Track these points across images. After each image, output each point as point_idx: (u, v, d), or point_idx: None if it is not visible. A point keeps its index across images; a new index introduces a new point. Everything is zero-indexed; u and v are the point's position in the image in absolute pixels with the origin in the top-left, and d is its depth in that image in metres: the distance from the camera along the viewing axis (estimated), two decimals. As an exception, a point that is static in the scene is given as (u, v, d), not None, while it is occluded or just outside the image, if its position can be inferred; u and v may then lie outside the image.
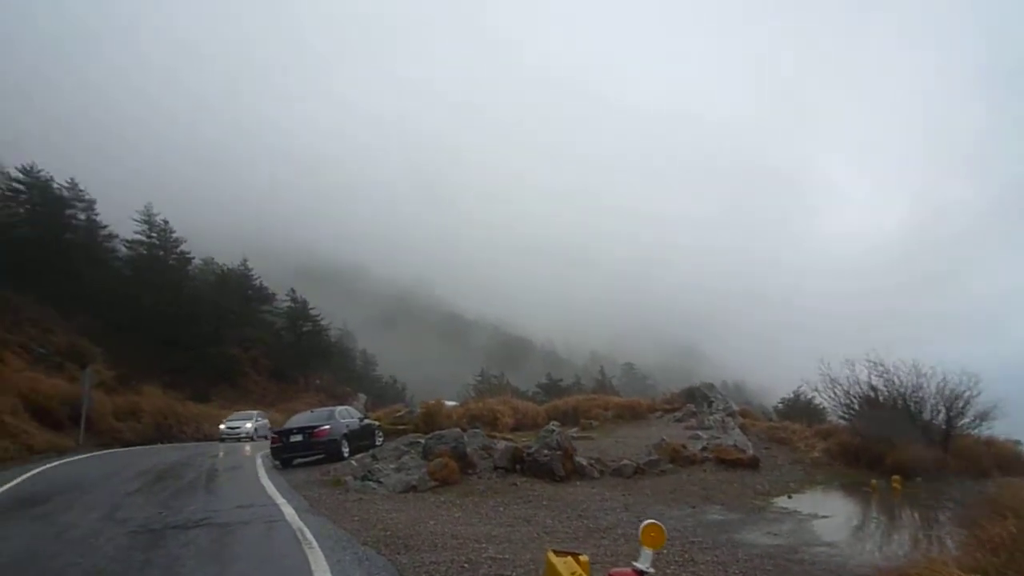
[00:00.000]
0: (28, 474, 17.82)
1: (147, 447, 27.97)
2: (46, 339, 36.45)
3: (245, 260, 65.30)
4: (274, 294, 66.48)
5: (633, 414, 28.40)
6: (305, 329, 65.67)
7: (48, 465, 20.06)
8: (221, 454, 23.86)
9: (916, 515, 14.98)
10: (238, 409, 41.09)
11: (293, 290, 66.87)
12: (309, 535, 9.29)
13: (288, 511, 11.36)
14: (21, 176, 51.42)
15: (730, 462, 19.16)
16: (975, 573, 5.64)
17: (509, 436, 21.30)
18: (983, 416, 20.13)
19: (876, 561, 9.52)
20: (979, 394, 19.81)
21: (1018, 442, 22.48)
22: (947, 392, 19.91)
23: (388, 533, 9.85)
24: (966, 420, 20.18)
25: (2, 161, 68.75)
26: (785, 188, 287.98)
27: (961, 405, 19.89)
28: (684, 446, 19.77)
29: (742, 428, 24.83)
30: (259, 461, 20.10)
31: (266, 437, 27.70)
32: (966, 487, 17.17)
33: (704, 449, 20.03)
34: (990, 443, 21.22)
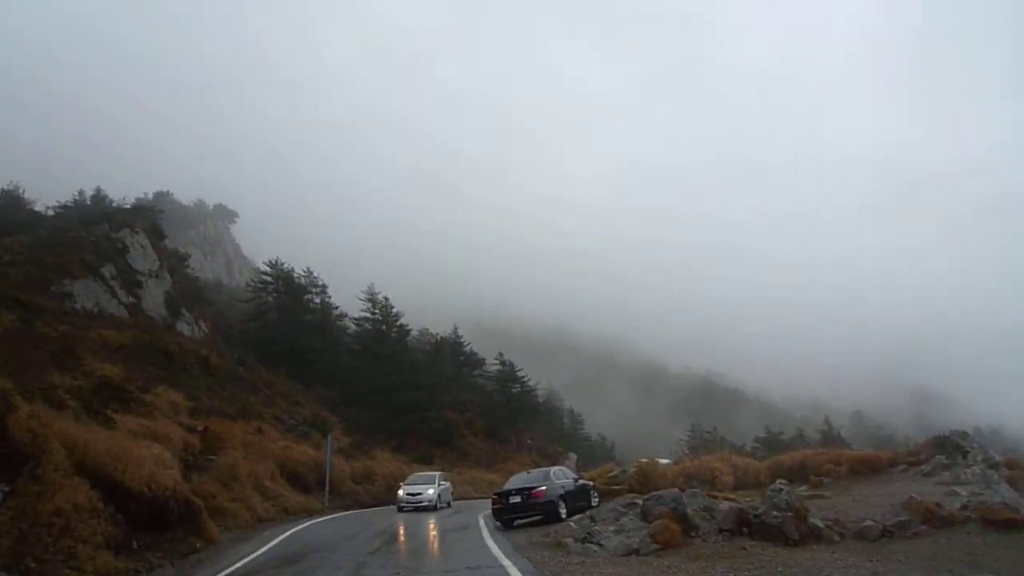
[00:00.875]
0: (285, 534, 19.96)
1: (381, 508, 30.12)
2: (294, 411, 41.11)
3: (456, 328, 69.52)
4: (483, 359, 69.80)
5: (871, 468, 25.52)
6: (514, 391, 67.93)
7: (301, 525, 22.35)
8: (447, 514, 25.03)
9: None
10: (459, 471, 43.00)
11: (501, 354, 69.73)
12: (538, 599, 9.37)
13: (514, 573, 11.58)
14: (268, 269, 59.64)
15: (1000, 523, 16.39)
16: None
17: (730, 496, 20.10)
18: None
19: None
20: None
21: None
22: None
23: (615, 599, 9.66)
24: None
25: (252, 258, 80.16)
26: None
27: None
28: (939, 504, 17.30)
29: (1009, 481, 21.23)
30: (481, 522, 20.78)
31: (449, 504, 28.89)
32: None
33: (964, 507, 17.37)
34: None
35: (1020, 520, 16.69)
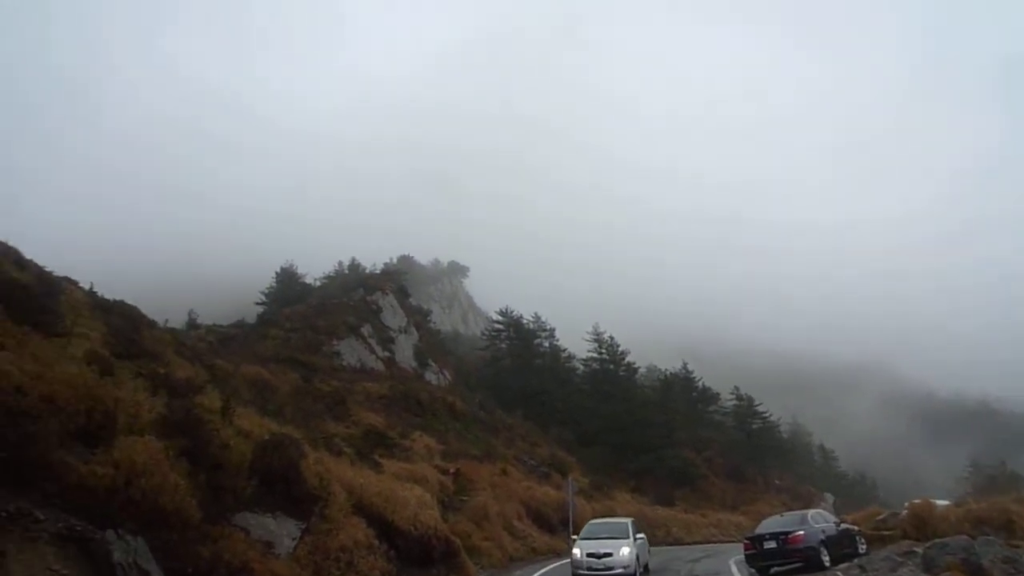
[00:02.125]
0: (537, 574, 20.53)
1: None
2: (534, 452, 42.51)
3: (685, 364, 67.64)
4: (718, 394, 66.97)
5: None
6: (754, 426, 64.15)
7: (551, 565, 22.87)
8: (694, 557, 24.08)
9: None
10: (703, 513, 41.29)
11: (737, 388, 66.45)
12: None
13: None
14: (500, 317, 63.07)
15: None
16: None
17: (1039, 546, 16.96)
18: None
19: None
20: None
21: None
22: None
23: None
24: None
25: (484, 308, 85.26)
26: None
27: None
28: None
29: None
30: (733, 568, 19.71)
31: (647, 569, 20.50)
32: None
33: None
34: None
35: None
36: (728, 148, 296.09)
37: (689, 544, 33.77)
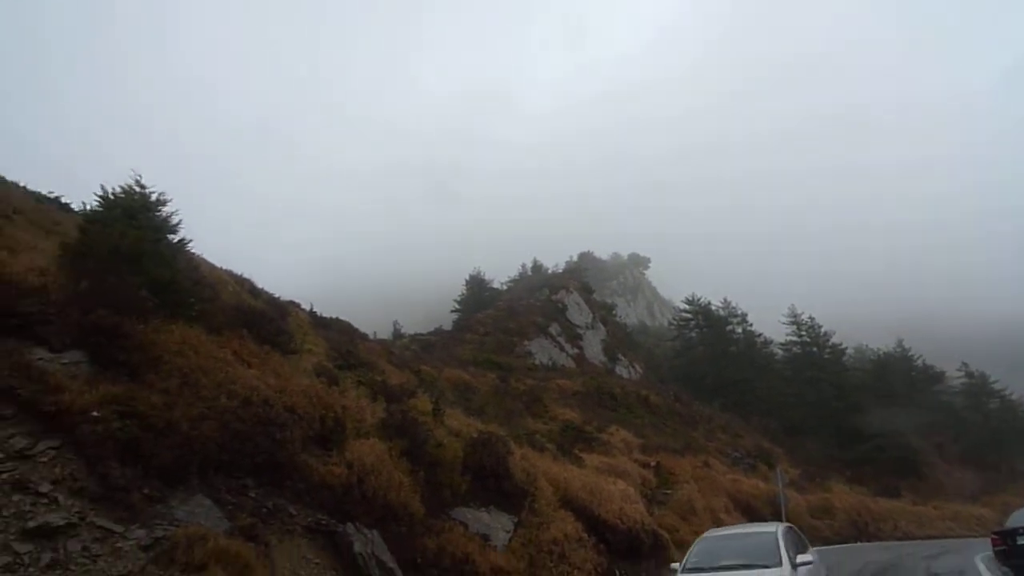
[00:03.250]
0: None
1: (847, 545, 27.76)
2: (736, 443, 40.87)
3: (901, 341, 61.53)
4: (943, 372, 60.14)
5: None
6: (991, 407, 56.78)
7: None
8: (933, 553, 21.88)
9: None
10: (935, 505, 37.52)
11: (965, 364, 59.26)
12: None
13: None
14: (687, 306, 61.41)
15: None
16: None
17: None
18: None
19: None
20: None
21: None
22: None
23: None
24: None
25: (669, 298, 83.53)
26: None
27: None
28: None
29: None
30: (980, 566, 17.65)
31: None
32: None
33: None
34: None
35: None
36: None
37: (921, 539, 30.70)
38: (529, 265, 74.09)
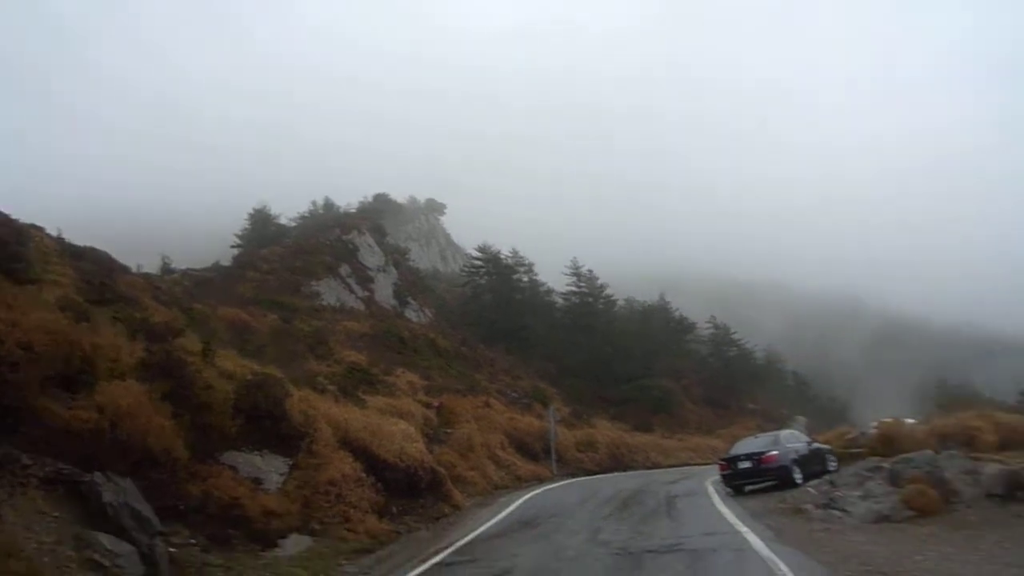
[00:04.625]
0: (521, 500, 21.21)
1: (605, 475, 30.78)
2: (516, 384, 43.24)
3: (662, 295, 68.47)
4: (695, 323, 68.09)
5: None
6: (731, 354, 65.63)
7: (533, 492, 23.58)
8: (672, 479, 24.98)
9: None
10: (680, 438, 42.61)
11: (714, 317, 67.60)
12: (783, 566, 9.09)
13: (753, 539, 11.31)
14: (478, 254, 62.97)
15: None
16: None
17: (996, 457, 17.78)
18: None
19: None
20: None
21: None
22: None
23: (870, 568, 9.09)
24: None
25: (462, 244, 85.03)
26: None
27: None
28: None
29: None
30: (709, 488, 20.47)
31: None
32: None
33: None
34: None
35: None
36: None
37: (667, 467, 34.93)
38: (320, 203, 71.11)
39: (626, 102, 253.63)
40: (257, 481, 13.39)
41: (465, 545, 13.83)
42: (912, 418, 28.28)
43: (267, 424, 14.47)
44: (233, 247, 56.74)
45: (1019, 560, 9.68)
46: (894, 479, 14.63)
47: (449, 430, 26.07)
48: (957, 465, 14.81)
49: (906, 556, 9.97)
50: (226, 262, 50.75)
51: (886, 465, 15.71)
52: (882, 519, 13.19)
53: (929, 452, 15.61)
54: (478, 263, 62.89)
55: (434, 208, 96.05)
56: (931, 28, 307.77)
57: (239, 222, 60.95)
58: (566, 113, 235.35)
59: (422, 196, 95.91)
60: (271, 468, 14.07)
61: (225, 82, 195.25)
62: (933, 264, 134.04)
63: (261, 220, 60.70)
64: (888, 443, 21.06)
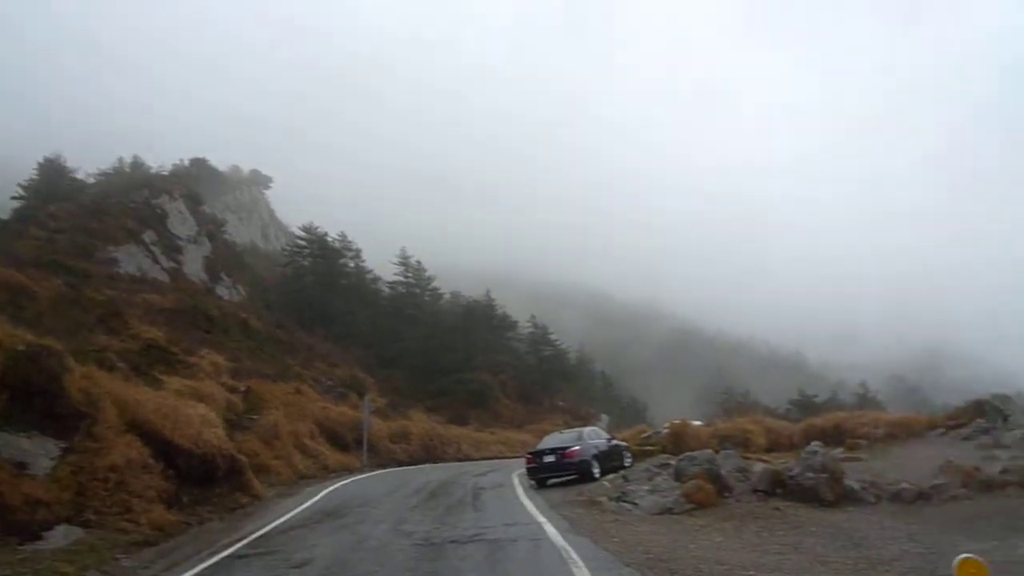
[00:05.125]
0: (327, 490, 20.65)
1: (417, 467, 30.85)
2: (332, 372, 42.03)
3: (488, 291, 69.87)
4: (516, 321, 70.19)
5: (908, 432, 25.22)
6: (546, 353, 68.43)
7: (342, 482, 23.04)
8: (481, 472, 25.54)
9: None
10: (492, 431, 43.70)
11: (534, 316, 70.10)
12: (574, 555, 9.61)
13: (550, 530, 11.86)
14: (303, 234, 60.46)
15: (1044, 487, 16.23)
16: None
17: (764, 457, 20.16)
18: None
19: None
20: None
21: None
22: None
23: (651, 556, 9.86)
24: None
25: (287, 223, 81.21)
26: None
27: None
28: (978, 468, 17.11)
29: (1053, 447, 20.91)
30: (515, 480, 21.18)
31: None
32: None
33: (1005, 471, 17.15)
34: None
35: (1061, 483, 16.48)
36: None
37: (479, 460, 35.69)
38: (128, 160, 64.51)
39: (472, 103, 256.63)
40: (21, 466, 11.85)
41: (261, 537, 13.20)
42: (699, 420, 31.27)
43: (39, 402, 12.86)
44: (15, 198, 49.80)
45: (774, 547, 11.01)
46: (678, 475, 16.05)
47: (255, 416, 24.78)
48: (732, 464, 16.55)
49: (682, 544, 10.95)
50: (4, 215, 44.48)
51: (673, 462, 17.22)
52: (666, 511, 14.40)
53: (709, 451, 17.28)
54: (303, 243, 60.40)
55: (259, 181, 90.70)
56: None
57: (26, 171, 53.64)
58: (412, 118, 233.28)
59: (247, 166, 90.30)
60: (40, 452, 12.51)
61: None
62: (725, 280, 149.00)
63: (53, 172, 53.92)
64: (677, 442, 23.15)
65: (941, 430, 25.01)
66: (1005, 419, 23.80)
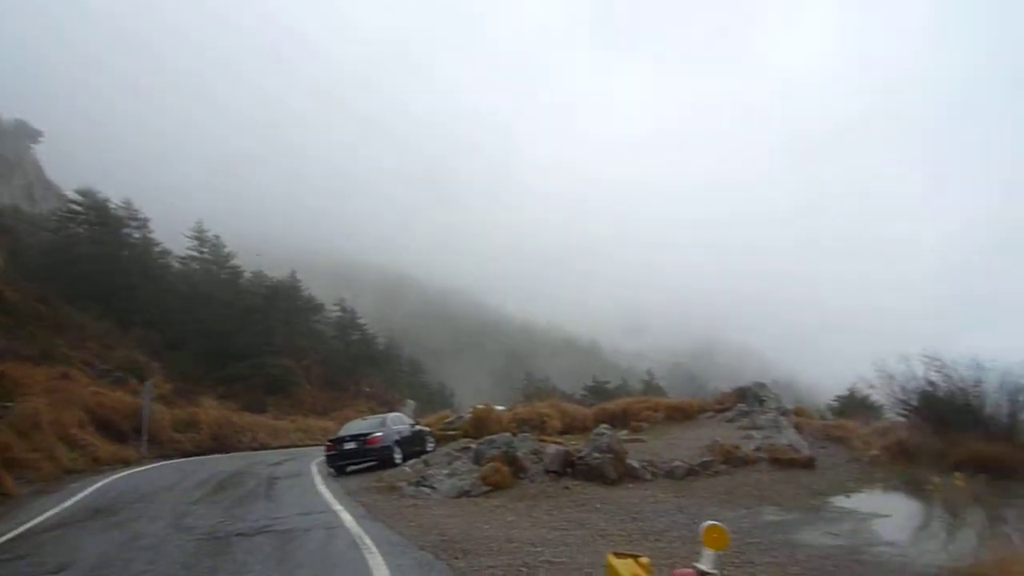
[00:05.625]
0: (96, 485, 18.58)
1: (206, 457, 28.77)
2: (108, 355, 37.83)
3: (294, 272, 66.80)
4: (323, 304, 67.89)
5: (683, 415, 28.04)
6: (354, 338, 66.96)
7: (115, 476, 20.86)
8: (276, 461, 24.43)
9: (982, 513, 14.49)
10: (293, 419, 41.99)
11: (342, 299, 68.20)
12: (368, 541, 9.50)
13: (346, 517, 11.63)
14: (79, 198, 53.62)
15: (785, 462, 18.81)
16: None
17: (558, 440, 21.29)
18: (1051, 408, 19.16)
19: (942, 560, 9.28)
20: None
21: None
22: (1010, 384, 19.08)
23: (445, 538, 10.01)
24: (1031, 413, 19.26)
25: (59, 184, 71.77)
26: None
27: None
28: (737, 447, 19.48)
29: (796, 427, 24.30)
30: (314, 469, 20.53)
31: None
32: (1035, 483, 16.50)
33: (758, 449, 19.71)
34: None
35: (800, 459, 19.23)
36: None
37: (275, 449, 34.12)
38: None
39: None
40: None
41: (11, 540, 11.56)
42: (501, 405, 32.35)
43: None
44: None
45: (561, 524, 11.66)
46: (477, 458, 16.47)
47: (9, 404, 21.64)
48: (528, 446, 17.30)
49: (476, 525, 11.25)
50: None
51: (473, 446, 17.61)
52: (463, 494, 14.71)
53: (507, 435, 17.92)
54: (77, 208, 53.49)
55: (25, 133, 78.87)
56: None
57: None
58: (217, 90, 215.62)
59: (10, 115, 78.09)
60: None
61: None
62: (531, 271, 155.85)
63: None
64: (479, 426, 23.72)
65: (710, 413, 28.08)
66: (761, 403, 27.25)
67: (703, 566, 3.54)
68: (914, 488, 17.18)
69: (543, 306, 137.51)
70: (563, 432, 25.10)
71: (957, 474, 16.69)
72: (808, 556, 9.26)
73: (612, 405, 30.52)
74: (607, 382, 66.80)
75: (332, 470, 19.58)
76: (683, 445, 20.70)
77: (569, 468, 16.29)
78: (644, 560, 3.97)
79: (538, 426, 24.73)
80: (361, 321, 69.41)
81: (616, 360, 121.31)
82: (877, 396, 24.76)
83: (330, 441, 20.44)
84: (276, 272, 65.44)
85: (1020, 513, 13.44)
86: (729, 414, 26.99)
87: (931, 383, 20.64)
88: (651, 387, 68.30)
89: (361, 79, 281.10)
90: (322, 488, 15.98)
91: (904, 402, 21.50)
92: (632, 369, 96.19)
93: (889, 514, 13.44)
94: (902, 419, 22.34)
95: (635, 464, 16.64)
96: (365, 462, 19.59)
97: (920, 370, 20.57)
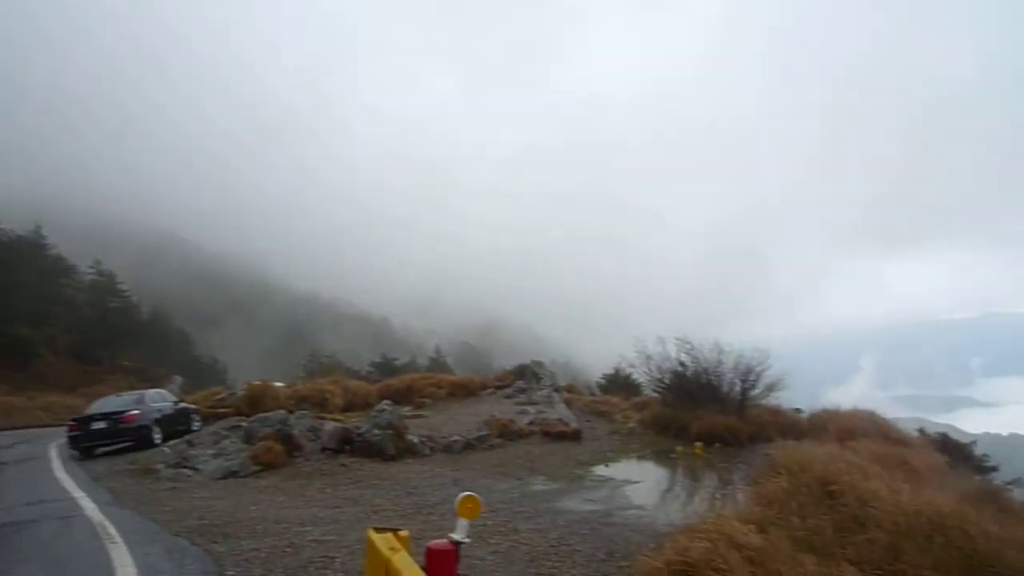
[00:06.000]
0: None
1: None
2: None
3: (39, 227, 58.16)
4: (75, 266, 59.92)
5: (466, 392, 28.88)
6: (112, 305, 59.89)
7: None
8: (12, 443, 21.27)
9: (714, 477, 16.64)
10: (31, 395, 36.79)
11: (99, 261, 60.64)
12: (112, 529, 8.59)
13: (87, 505, 10.42)
14: None
15: (555, 435, 20.11)
16: (751, 524, 6.42)
17: (339, 417, 20.86)
18: (771, 387, 22.46)
19: (678, 519, 10.49)
20: (769, 368, 22.15)
21: (798, 410, 25.39)
22: (742, 367, 22.11)
23: (205, 522, 9.34)
24: (757, 391, 22.47)
25: None
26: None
27: (753, 378, 22.13)
28: (512, 421, 20.46)
29: (567, 403, 26.13)
30: (53, 452, 18.18)
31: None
32: (755, 451, 19.29)
33: (531, 423, 20.86)
34: (775, 411, 23.80)
35: (569, 432, 20.68)
36: None
37: (7, 430, 29.65)
38: None
39: None
40: None
41: None
42: (281, 382, 30.95)
43: None
44: None
45: (334, 502, 11.44)
46: (248, 437, 15.59)
47: None
48: (304, 424, 16.73)
49: (242, 507, 10.64)
50: None
51: (244, 424, 16.64)
52: (230, 475, 13.85)
53: (283, 412, 17.19)
54: None
55: None
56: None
57: None
58: None
59: None
60: None
61: None
62: (314, 239, 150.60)
63: None
64: (253, 403, 22.50)
65: (491, 390, 29.23)
66: (538, 380, 28.92)
67: (457, 536, 3.64)
68: (663, 457, 19.27)
69: (333, 280, 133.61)
70: (345, 409, 24.65)
71: (698, 444, 19.04)
72: (568, 521, 9.97)
73: (397, 382, 30.59)
74: (396, 359, 66.61)
75: (76, 452, 17.44)
76: (463, 420, 21.32)
77: (347, 445, 16.03)
78: (403, 534, 4.00)
79: (319, 403, 24.05)
80: (122, 286, 62.26)
81: (406, 337, 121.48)
82: (637, 375, 27.41)
83: (73, 420, 18.14)
84: (15, 226, 56.63)
85: (743, 475, 15.58)
86: (508, 390, 28.29)
87: (681, 363, 23.29)
88: (438, 364, 69.38)
89: None
90: (61, 474, 14.17)
91: (659, 380, 24.05)
92: (422, 346, 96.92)
93: (640, 480, 14.91)
94: (657, 395, 24.98)
95: (415, 439, 16.80)
96: (118, 443, 17.68)
97: (673, 352, 23.13)
